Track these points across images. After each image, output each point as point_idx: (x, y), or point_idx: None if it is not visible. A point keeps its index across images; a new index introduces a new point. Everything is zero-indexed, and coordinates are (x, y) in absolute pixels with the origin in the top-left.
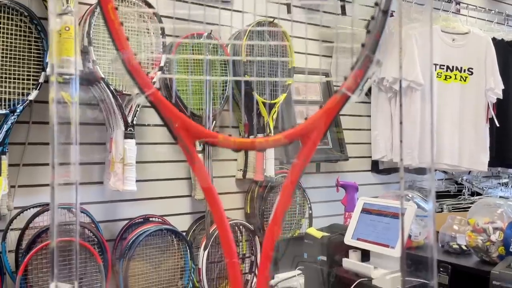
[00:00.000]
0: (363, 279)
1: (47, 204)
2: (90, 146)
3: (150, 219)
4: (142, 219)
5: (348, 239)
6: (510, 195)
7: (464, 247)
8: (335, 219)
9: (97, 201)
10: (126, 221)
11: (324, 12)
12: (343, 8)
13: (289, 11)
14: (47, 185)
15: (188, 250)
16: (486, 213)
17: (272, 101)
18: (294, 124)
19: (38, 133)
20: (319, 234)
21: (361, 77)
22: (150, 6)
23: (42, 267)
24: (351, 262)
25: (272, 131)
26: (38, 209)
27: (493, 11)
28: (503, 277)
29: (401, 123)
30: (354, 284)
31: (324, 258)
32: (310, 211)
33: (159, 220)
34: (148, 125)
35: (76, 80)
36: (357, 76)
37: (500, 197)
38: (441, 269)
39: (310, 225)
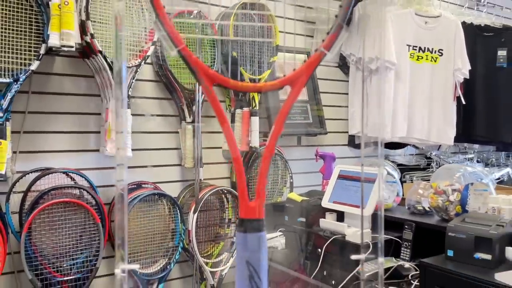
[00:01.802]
0: (338, 236)
1: (47, 169)
2: (86, 116)
3: (143, 185)
4: (135, 185)
5: (325, 202)
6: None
7: (427, 209)
8: (314, 188)
9: (93, 167)
10: None
11: None
12: None
13: None
14: (46, 151)
15: (179, 214)
16: (447, 177)
17: (258, 77)
18: (277, 100)
19: (37, 103)
20: (299, 198)
21: (334, 39)
22: None
23: (44, 225)
24: (328, 222)
25: (257, 105)
26: (38, 173)
27: None
28: (456, 229)
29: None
30: (329, 240)
31: (304, 219)
32: (291, 180)
33: (152, 186)
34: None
35: None
36: (331, 38)
37: None
38: (406, 227)
39: (291, 191)
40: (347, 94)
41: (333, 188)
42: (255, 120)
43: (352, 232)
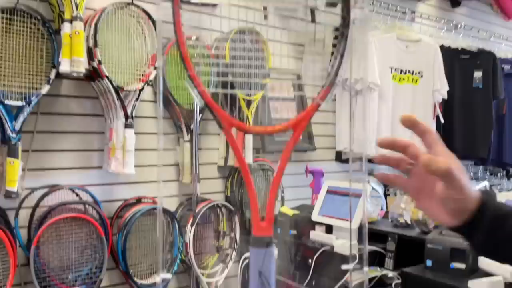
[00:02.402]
0: (327, 247)
1: (54, 185)
2: (90, 135)
3: (143, 200)
4: (135, 200)
5: (314, 216)
6: None
7: (409, 222)
8: (304, 201)
9: (97, 183)
10: (122, 202)
11: (296, 18)
12: (312, 13)
13: (265, 18)
14: (53, 168)
15: (177, 227)
16: None
17: (251, 98)
18: (269, 118)
19: (45, 123)
20: (291, 212)
21: (328, 91)
22: (147, 14)
23: (52, 239)
24: (317, 234)
25: (251, 124)
26: (45, 190)
27: (443, 21)
28: (434, 241)
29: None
30: (319, 252)
31: (295, 232)
32: (283, 194)
33: (151, 201)
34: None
35: None
36: (326, 91)
37: None
38: (389, 238)
39: (282, 205)
40: (334, 112)
41: (322, 202)
42: (249, 138)
43: (340, 244)
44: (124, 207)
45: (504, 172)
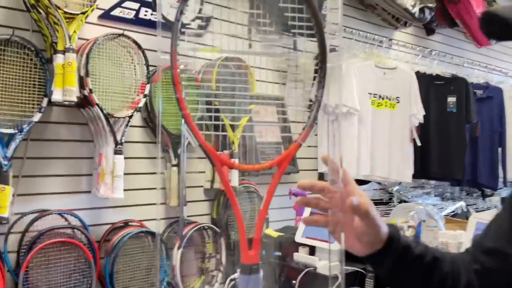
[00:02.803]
0: (310, 268)
1: (43, 210)
2: (79, 160)
3: (130, 223)
4: (123, 224)
5: (298, 238)
6: (432, 202)
7: None
8: (287, 222)
9: (85, 207)
10: (109, 225)
11: (279, 46)
12: (294, 43)
13: (250, 46)
14: (42, 193)
15: (164, 250)
16: (403, 214)
17: (237, 123)
18: (254, 142)
19: (35, 148)
20: (275, 234)
21: (309, 133)
22: (137, 44)
23: (41, 264)
24: (301, 256)
25: (237, 148)
26: (35, 215)
27: (419, 48)
28: None
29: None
30: (303, 273)
31: (280, 253)
32: (267, 216)
33: (138, 224)
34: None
35: None
36: (306, 133)
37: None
38: None
39: (267, 227)
40: (316, 135)
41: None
42: (235, 162)
43: (323, 265)
44: (112, 231)
45: (480, 192)
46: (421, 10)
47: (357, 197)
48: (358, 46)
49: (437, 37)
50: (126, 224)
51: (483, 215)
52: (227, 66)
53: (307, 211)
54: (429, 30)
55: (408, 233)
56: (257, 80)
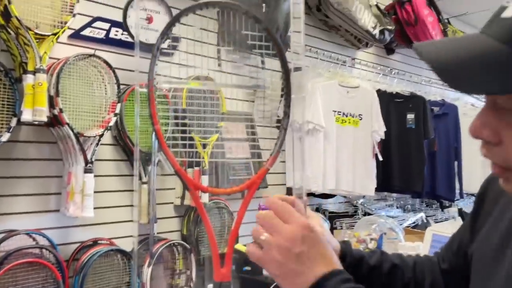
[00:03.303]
0: None
1: (11, 231)
2: (48, 179)
3: (99, 241)
4: (92, 242)
5: None
6: (394, 214)
7: None
8: None
9: (54, 226)
10: (78, 244)
11: (248, 65)
12: (262, 62)
13: (219, 65)
14: (10, 213)
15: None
16: (366, 227)
17: (207, 140)
18: (224, 159)
19: (3, 168)
20: (244, 249)
21: (276, 158)
22: (108, 64)
23: (8, 285)
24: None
25: (207, 165)
26: (2, 235)
27: (380, 67)
28: None
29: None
30: (272, 287)
31: (249, 268)
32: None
33: (107, 242)
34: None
35: None
36: (274, 159)
37: (387, 216)
38: None
39: (237, 242)
40: (283, 150)
41: None
42: (205, 179)
43: None
44: (81, 250)
45: (438, 204)
46: (381, 32)
47: (309, 221)
48: (323, 65)
49: (396, 56)
50: (95, 242)
51: (439, 228)
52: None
53: None
54: (389, 50)
55: (371, 245)
56: (226, 98)
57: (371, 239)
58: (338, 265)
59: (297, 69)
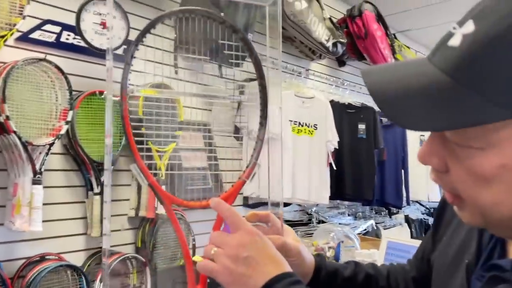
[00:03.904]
0: None
1: None
2: None
3: (47, 257)
4: (39, 258)
5: None
6: (346, 222)
7: None
8: None
9: None
10: (24, 260)
11: (205, 74)
12: (220, 71)
13: (176, 73)
14: None
15: (84, 283)
16: (324, 236)
17: (164, 149)
18: (181, 169)
19: None
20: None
21: (252, 171)
22: (60, 69)
23: None
24: None
25: (164, 174)
26: None
27: (332, 78)
28: None
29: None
30: None
31: (209, 280)
32: (194, 242)
33: (56, 257)
34: None
35: None
36: (250, 171)
37: (340, 224)
38: None
39: (194, 253)
40: (241, 159)
41: None
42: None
43: None
44: (27, 266)
45: (387, 211)
46: (334, 45)
47: (285, 235)
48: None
49: (347, 68)
50: (42, 258)
51: (393, 235)
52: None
53: None
54: (340, 62)
55: (329, 253)
56: (184, 106)
57: (329, 247)
58: (287, 268)
59: (253, 79)
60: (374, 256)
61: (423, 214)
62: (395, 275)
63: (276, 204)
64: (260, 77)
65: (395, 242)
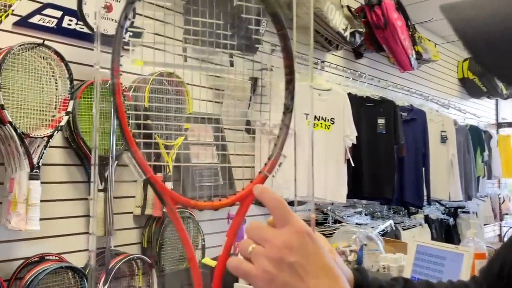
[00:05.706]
0: None
1: None
2: None
3: (47, 257)
4: (38, 258)
5: None
6: (364, 221)
7: None
8: None
9: None
10: (22, 261)
11: (216, 64)
12: (231, 62)
13: (185, 60)
14: None
15: (87, 286)
16: (345, 238)
17: (171, 143)
18: (190, 163)
19: None
20: (213, 263)
21: (275, 163)
22: (60, 56)
23: None
24: (241, 286)
25: (172, 170)
26: None
27: (349, 71)
28: None
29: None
30: None
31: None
32: (203, 243)
33: (56, 258)
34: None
35: None
36: (273, 163)
37: (356, 224)
38: None
39: (203, 255)
40: (253, 155)
41: None
42: (169, 186)
43: None
44: (25, 267)
45: (406, 210)
46: (352, 34)
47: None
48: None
49: (364, 60)
50: (42, 258)
51: (414, 236)
52: (161, 82)
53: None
54: (357, 53)
55: (351, 257)
56: (193, 99)
57: (351, 250)
58: (344, 283)
59: (269, 69)
60: (401, 261)
61: (443, 214)
62: None
63: (291, 203)
64: (286, 48)
65: (425, 246)
